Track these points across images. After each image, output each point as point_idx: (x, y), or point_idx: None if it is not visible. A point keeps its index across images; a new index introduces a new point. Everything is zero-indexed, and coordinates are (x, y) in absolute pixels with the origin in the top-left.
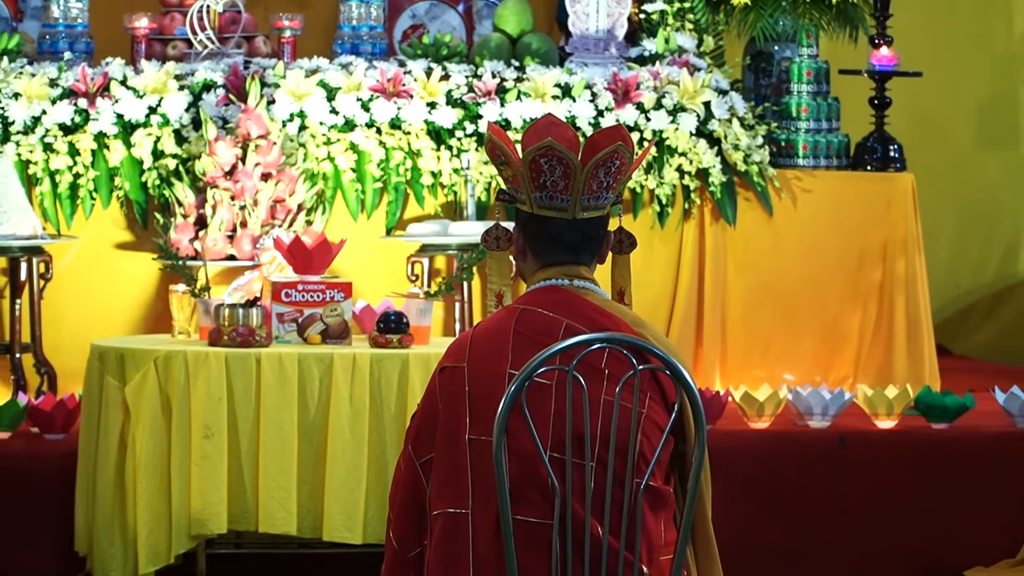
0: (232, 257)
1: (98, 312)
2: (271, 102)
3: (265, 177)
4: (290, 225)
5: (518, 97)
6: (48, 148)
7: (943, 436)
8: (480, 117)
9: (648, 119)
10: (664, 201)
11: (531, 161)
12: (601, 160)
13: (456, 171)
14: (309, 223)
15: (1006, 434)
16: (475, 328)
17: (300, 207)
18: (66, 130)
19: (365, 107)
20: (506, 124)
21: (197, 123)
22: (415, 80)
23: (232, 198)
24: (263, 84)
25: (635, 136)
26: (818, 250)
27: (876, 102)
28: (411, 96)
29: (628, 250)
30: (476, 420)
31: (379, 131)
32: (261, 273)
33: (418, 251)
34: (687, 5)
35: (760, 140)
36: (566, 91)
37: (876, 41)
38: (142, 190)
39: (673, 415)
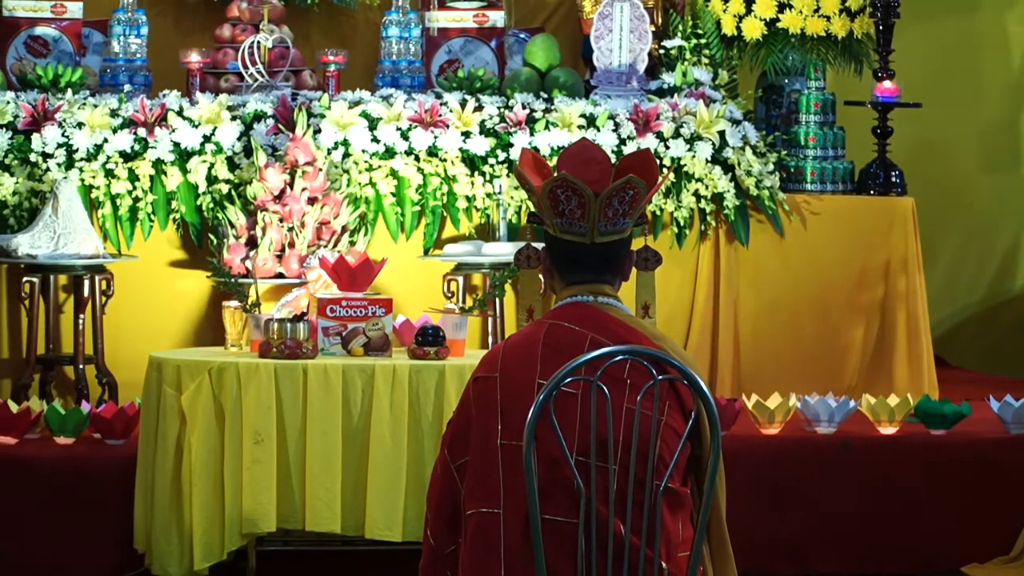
0: (281, 275)
1: (156, 326)
2: (317, 131)
3: (311, 201)
4: (334, 245)
5: (546, 127)
6: (109, 174)
7: (941, 441)
8: (511, 146)
9: (667, 147)
10: (682, 223)
11: (549, 192)
12: (615, 190)
13: (489, 195)
14: (352, 244)
15: (1000, 440)
16: (506, 341)
17: (344, 229)
18: (126, 157)
19: (404, 136)
20: (535, 152)
21: (248, 151)
22: (451, 111)
23: (281, 220)
24: (310, 115)
25: None
26: (825, 268)
27: (879, 131)
28: (447, 126)
29: (652, 267)
30: (507, 426)
31: (417, 158)
32: (308, 290)
33: (454, 269)
34: (703, 42)
35: (771, 167)
36: (591, 121)
37: (879, 74)
38: (197, 213)
39: (690, 422)
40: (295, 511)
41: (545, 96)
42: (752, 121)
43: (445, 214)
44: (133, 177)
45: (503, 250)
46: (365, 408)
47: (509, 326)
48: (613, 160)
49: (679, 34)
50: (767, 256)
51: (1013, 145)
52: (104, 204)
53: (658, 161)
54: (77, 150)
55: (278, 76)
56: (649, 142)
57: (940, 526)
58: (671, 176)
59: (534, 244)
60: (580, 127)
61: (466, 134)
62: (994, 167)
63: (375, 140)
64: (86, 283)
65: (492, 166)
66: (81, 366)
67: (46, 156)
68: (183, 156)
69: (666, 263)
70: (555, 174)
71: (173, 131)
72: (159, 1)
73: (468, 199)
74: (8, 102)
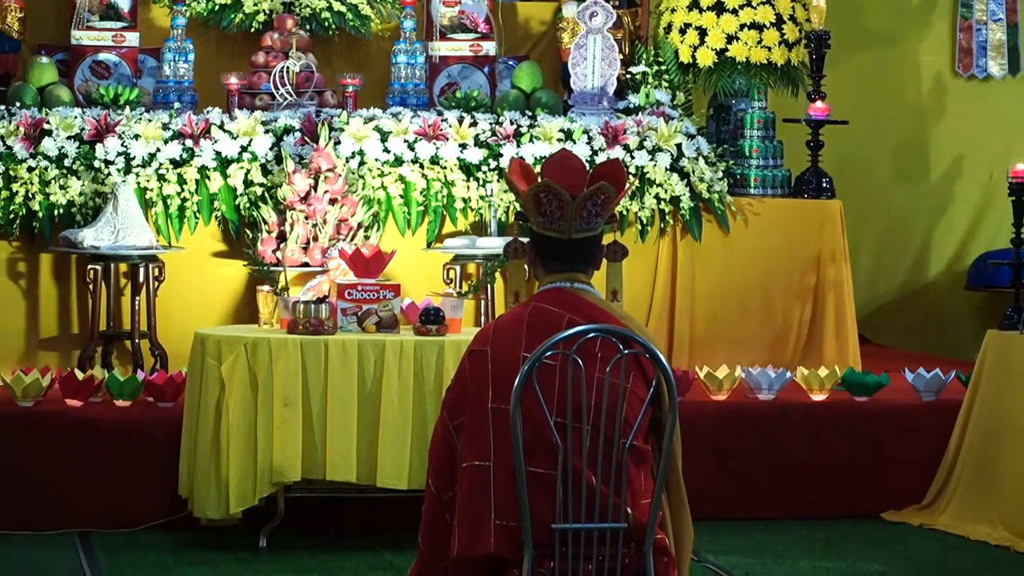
0: (306, 264)
1: (200, 307)
2: (337, 143)
3: (332, 201)
4: (352, 239)
5: (531, 140)
6: (161, 178)
7: (864, 407)
8: (501, 155)
9: (632, 157)
10: (645, 222)
11: (533, 195)
12: (589, 195)
13: (482, 198)
14: (367, 238)
15: (914, 406)
16: (497, 320)
17: (360, 225)
18: (175, 164)
19: (411, 147)
20: (522, 161)
21: (279, 159)
22: (450, 126)
23: (306, 218)
24: (331, 128)
25: None
26: (766, 260)
27: (812, 144)
28: (447, 139)
29: (620, 259)
30: (497, 393)
31: (422, 166)
32: (329, 277)
33: (452, 260)
34: (663, 68)
35: (720, 174)
36: (568, 135)
37: (812, 96)
38: (235, 211)
39: (651, 389)
40: (317, 463)
41: (530, 114)
42: (704, 135)
43: (445, 213)
44: (181, 181)
45: (494, 244)
46: (377, 377)
47: (499, 308)
48: (588, 168)
49: (643, 62)
50: (717, 249)
51: (923, 158)
52: (157, 204)
53: (625, 169)
54: (134, 158)
55: (304, 96)
56: (617, 153)
57: (863, 478)
58: (636, 182)
59: (520, 238)
60: (559, 140)
61: (463, 145)
62: (907, 176)
63: (386, 150)
64: (141, 270)
65: (485, 173)
66: (137, 340)
67: (108, 163)
68: (224, 163)
69: (631, 255)
70: (539, 180)
71: (215, 142)
72: (204, 32)
73: (464, 200)
74: (76, 117)
